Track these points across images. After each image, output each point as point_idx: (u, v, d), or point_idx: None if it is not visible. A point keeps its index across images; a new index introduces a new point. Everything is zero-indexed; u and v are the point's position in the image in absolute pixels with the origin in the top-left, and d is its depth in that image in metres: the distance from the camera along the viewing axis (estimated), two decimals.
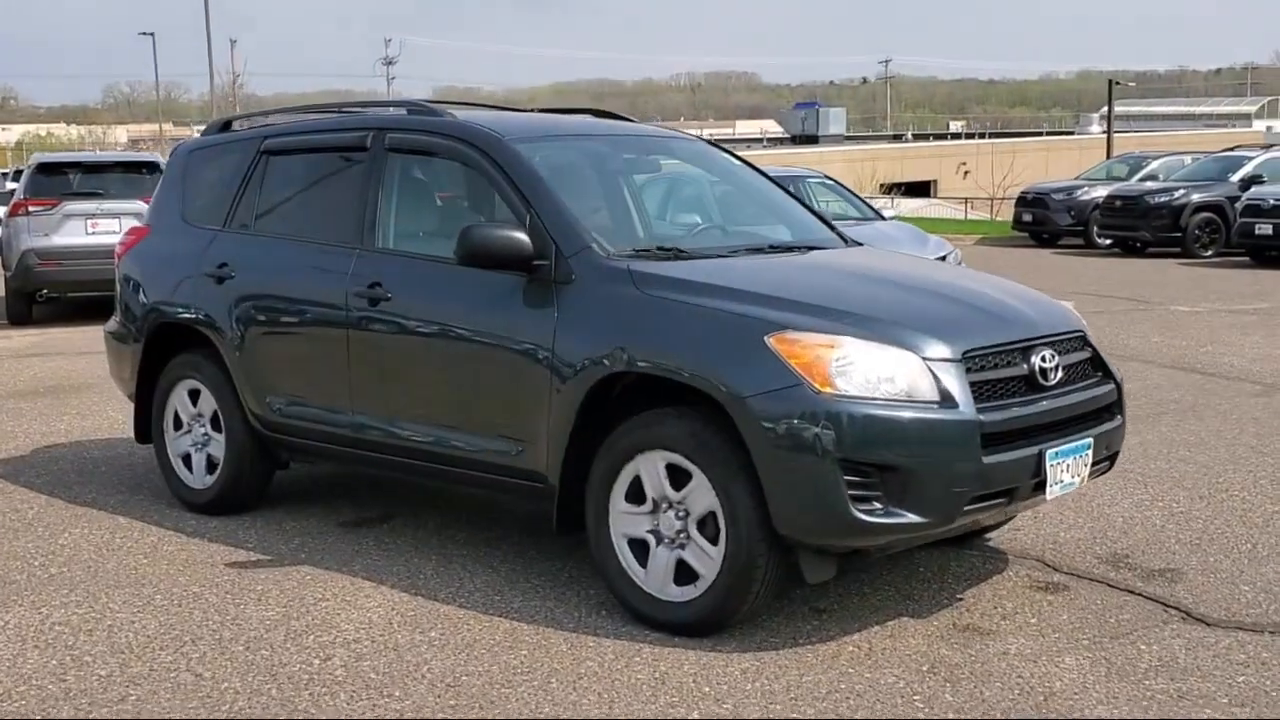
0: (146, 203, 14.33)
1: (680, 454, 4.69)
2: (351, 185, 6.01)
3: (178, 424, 6.72)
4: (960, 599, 5.25)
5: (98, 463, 7.83)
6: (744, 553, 4.56)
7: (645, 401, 4.90)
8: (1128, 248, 24.75)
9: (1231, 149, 27.91)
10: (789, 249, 5.70)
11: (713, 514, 4.65)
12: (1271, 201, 21.16)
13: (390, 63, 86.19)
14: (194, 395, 6.61)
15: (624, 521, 4.91)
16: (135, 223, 14.33)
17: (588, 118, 6.52)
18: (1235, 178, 23.91)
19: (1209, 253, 23.41)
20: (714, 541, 4.66)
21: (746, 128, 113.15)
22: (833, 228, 6.20)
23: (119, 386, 7.25)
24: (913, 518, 4.43)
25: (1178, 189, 23.95)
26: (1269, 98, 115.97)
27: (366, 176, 5.89)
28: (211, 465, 6.59)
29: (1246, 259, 22.13)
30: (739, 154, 6.62)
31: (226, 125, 6.96)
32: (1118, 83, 48.09)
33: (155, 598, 5.38)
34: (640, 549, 4.89)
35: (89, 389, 10.44)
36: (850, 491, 4.38)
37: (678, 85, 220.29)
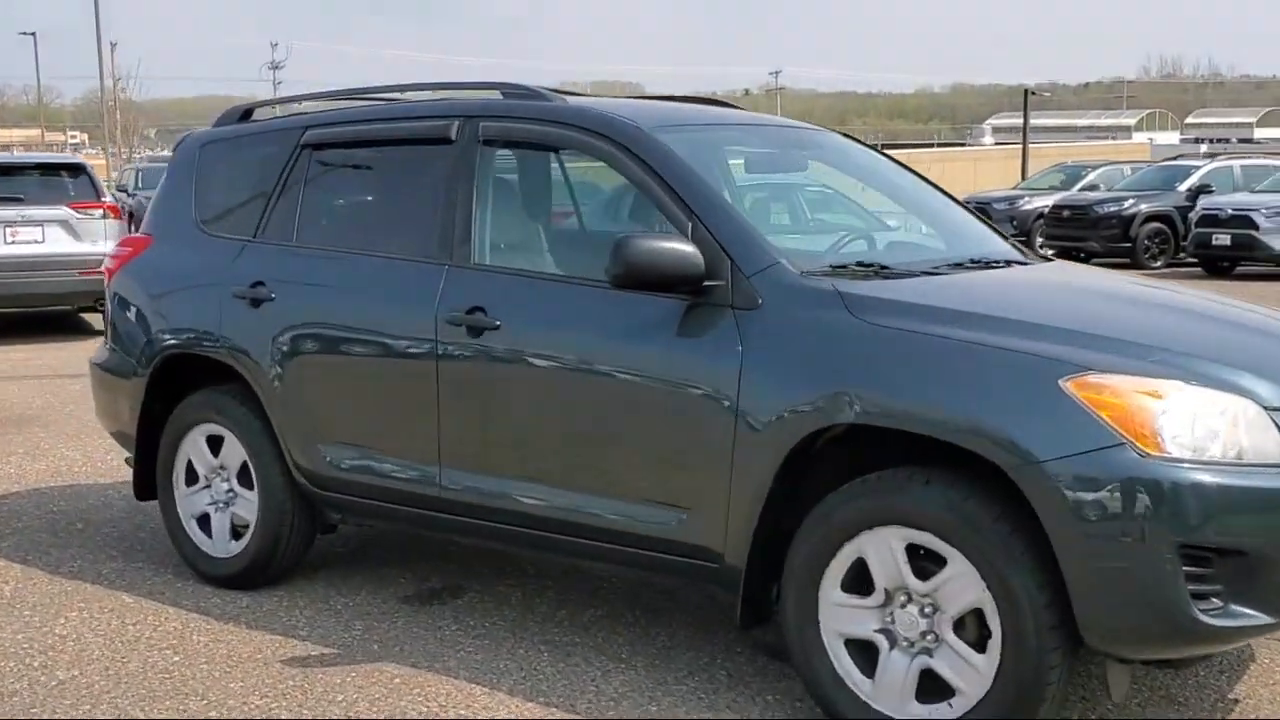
0: (75, 209, 13.13)
1: (930, 532, 3.63)
2: (433, 185, 4.87)
3: (192, 477, 5.49)
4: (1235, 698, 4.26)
5: (69, 518, 6.54)
6: (1029, 665, 3.51)
7: (857, 459, 3.84)
8: (1073, 258, 24.18)
9: (1173, 158, 27.62)
10: (989, 264, 4.65)
11: (977, 612, 3.60)
12: (1230, 211, 20.75)
13: (277, 67, 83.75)
14: (215, 443, 5.38)
15: (840, 617, 3.84)
16: (61, 231, 13.04)
17: (706, 107, 5.40)
18: (1182, 187, 23.56)
19: (1158, 263, 23.08)
20: (979, 648, 3.61)
21: None
22: (1004, 236, 5.18)
23: (106, 425, 5.99)
24: (1262, 618, 3.42)
25: (1126, 199, 23.51)
26: (1147, 110, 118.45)
27: (454, 174, 4.74)
28: (238, 529, 5.38)
29: (1198, 269, 21.76)
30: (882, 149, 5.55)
31: (247, 114, 5.72)
32: (1033, 93, 47.98)
33: (209, 715, 4.17)
34: (864, 653, 3.82)
35: (31, 422, 9.07)
36: (1190, 586, 3.34)
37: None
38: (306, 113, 5.52)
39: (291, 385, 5.04)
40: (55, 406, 9.60)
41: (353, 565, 5.71)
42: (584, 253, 4.99)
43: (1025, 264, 4.76)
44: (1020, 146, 41.60)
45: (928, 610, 3.70)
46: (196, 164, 5.65)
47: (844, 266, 4.22)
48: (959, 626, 3.67)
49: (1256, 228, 20.27)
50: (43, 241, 12.62)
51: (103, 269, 5.96)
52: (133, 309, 5.67)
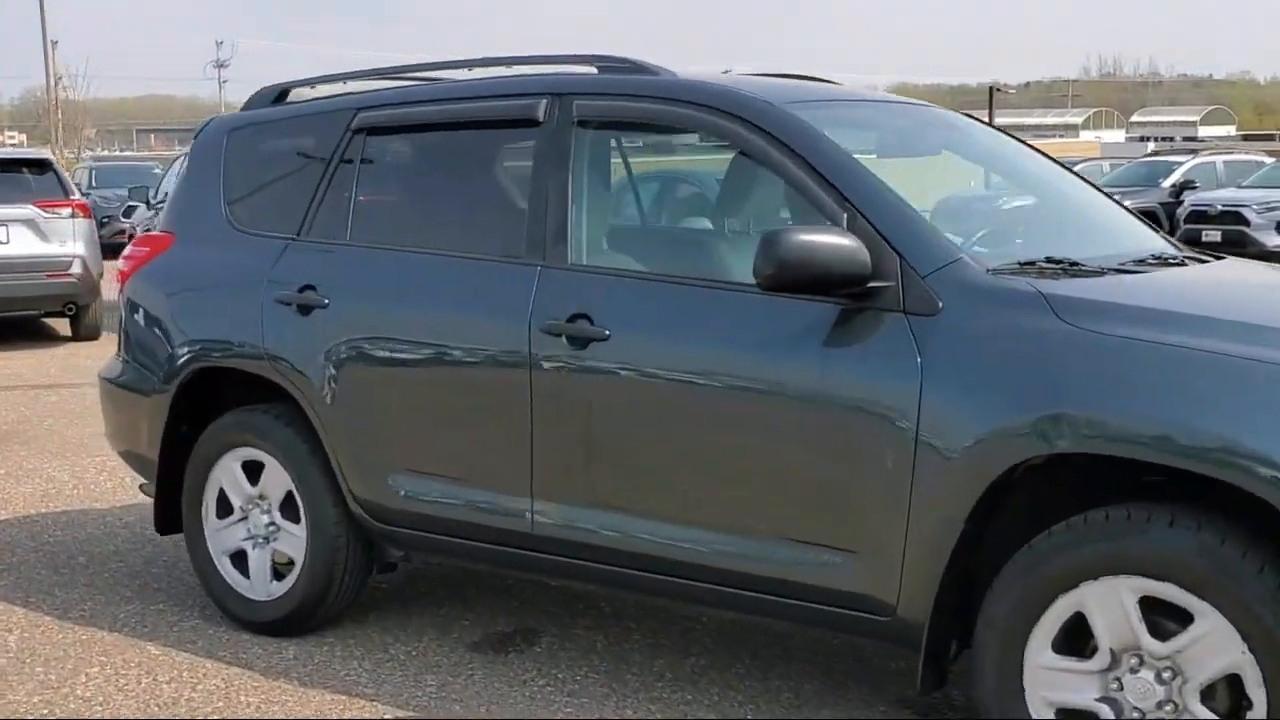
0: (41, 207, 12.27)
1: (1174, 583, 3.02)
2: (517, 174, 4.20)
3: (224, 509, 4.80)
4: None
5: (69, 551, 5.82)
6: None
7: (1055, 492, 3.24)
8: None
9: (1153, 154, 27.34)
10: (1168, 261, 4.04)
11: (1232, 678, 2.99)
12: (1220, 207, 20.43)
13: (222, 66, 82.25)
14: (253, 469, 4.70)
15: (1052, 682, 3.23)
16: (27, 232, 12.18)
17: (818, 83, 4.76)
18: (1166, 183, 23.25)
19: None
20: None
21: None
22: (1154, 228, 4.59)
23: (117, 446, 5.29)
24: None
25: (1111, 195, 23.06)
26: (1093, 109, 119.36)
27: (544, 161, 4.09)
28: (280, 567, 4.69)
29: None
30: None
31: (282, 95, 5.03)
32: (999, 89, 47.70)
33: None
34: None
35: (9, 439, 8.32)
36: None
37: None
38: (353, 93, 4.83)
39: (350, 404, 4.37)
40: (33, 420, 8.84)
41: (404, 605, 5.04)
42: (707, 250, 4.36)
43: (1202, 261, 4.16)
44: None
45: (1166, 675, 3.09)
46: (223, 153, 4.96)
47: (1031, 263, 3.60)
48: (1207, 695, 3.06)
49: (1247, 223, 19.94)
50: (7, 243, 11.79)
51: (117, 271, 5.23)
52: (152, 317, 4.97)
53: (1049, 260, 3.61)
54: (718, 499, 3.71)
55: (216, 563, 4.82)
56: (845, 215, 3.54)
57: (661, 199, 4.49)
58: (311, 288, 4.46)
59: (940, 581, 3.32)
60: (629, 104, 4.07)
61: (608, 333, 3.82)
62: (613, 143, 4.31)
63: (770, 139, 3.74)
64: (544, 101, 4.15)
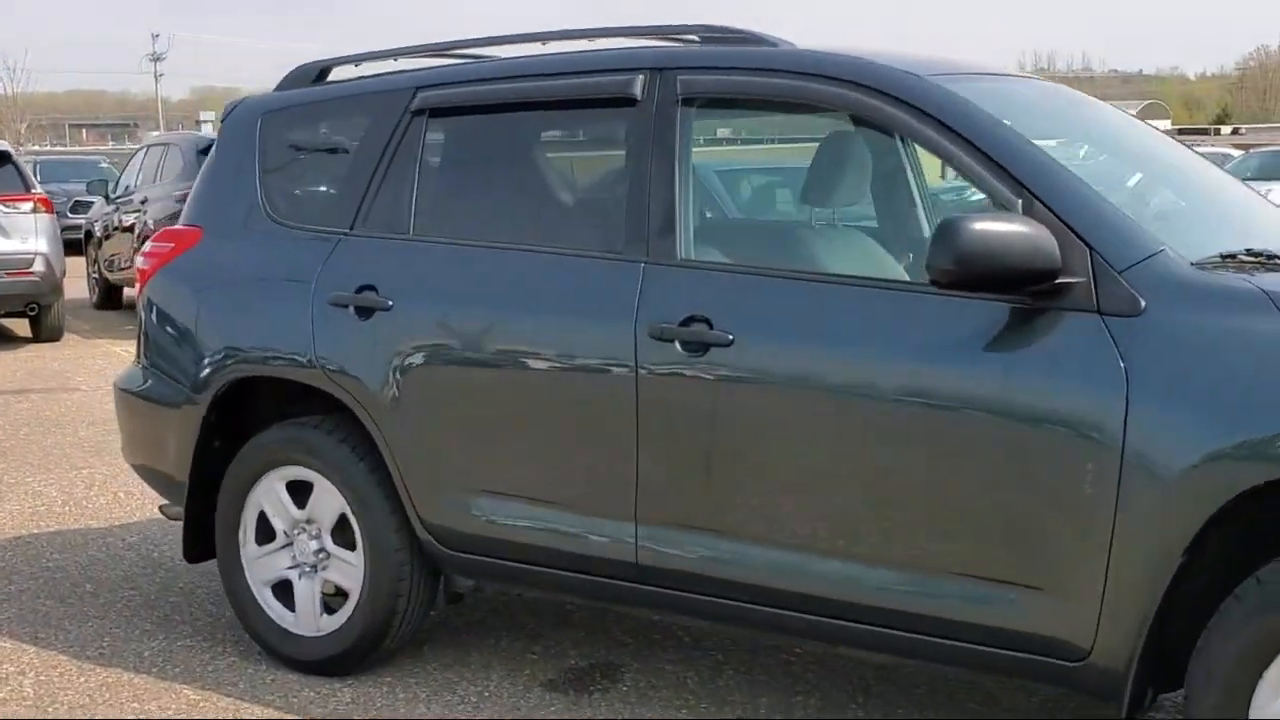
0: (4, 203, 11.61)
1: None
2: (612, 159, 3.74)
3: (265, 534, 4.30)
4: None
5: (72, 578, 5.29)
6: None
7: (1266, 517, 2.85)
8: None
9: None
10: None
11: None
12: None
13: (159, 59, 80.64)
14: (299, 490, 4.20)
15: None
16: None
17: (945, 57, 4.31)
18: (1130, 183, 22.92)
19: None
20: None
21: None
22: None
23: (135, 460, 4.77)
24: None
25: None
26: None
27: (644, 144, 3.63)
28: (332, 600, 4.18)
29: None
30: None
31: (322, 74, 4.52)
32: None
33: None
34: None
35: None
36: None
37: None
38: (408, 71, 4.33)
39: (419, 418, 3.89)
40: (7, 430, 8.25)
41: (456, 636, 4.56)
42: (845, 242, 3.91)
43: None
44: None
45: None
46: (257, 139, 4.45)
47: (1232, 255, 3.18)
48: None
49: None
50: None
51: (135, 269, 4.69)
52: (180, 320, 4.46)
53: (1249, 253, 3.18)
54: (871, 527, 3.27)
55: (256, 594, 4.32)
56: (1020, 202, 3.10)
57: (782, 184, 4.03)
58: (371, 288, 3.97)
59: (1149, 625, 2.89)
60: (744, 79, 3.61)
61: (731, 338, 3.36)
62: (724, 123, 3.85)
63: (923, 116, 3.30)
64: (641, 77, 3.68)
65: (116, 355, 11.21)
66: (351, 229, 4.12)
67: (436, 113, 4.07)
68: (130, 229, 13.10)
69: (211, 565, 4.50)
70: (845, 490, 3.28)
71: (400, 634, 4.13)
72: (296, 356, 4.09)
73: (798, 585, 3.36)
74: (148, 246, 4.66)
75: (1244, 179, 18.47)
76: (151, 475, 4.68)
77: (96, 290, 14.76)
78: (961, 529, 3.14)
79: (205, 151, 12.40)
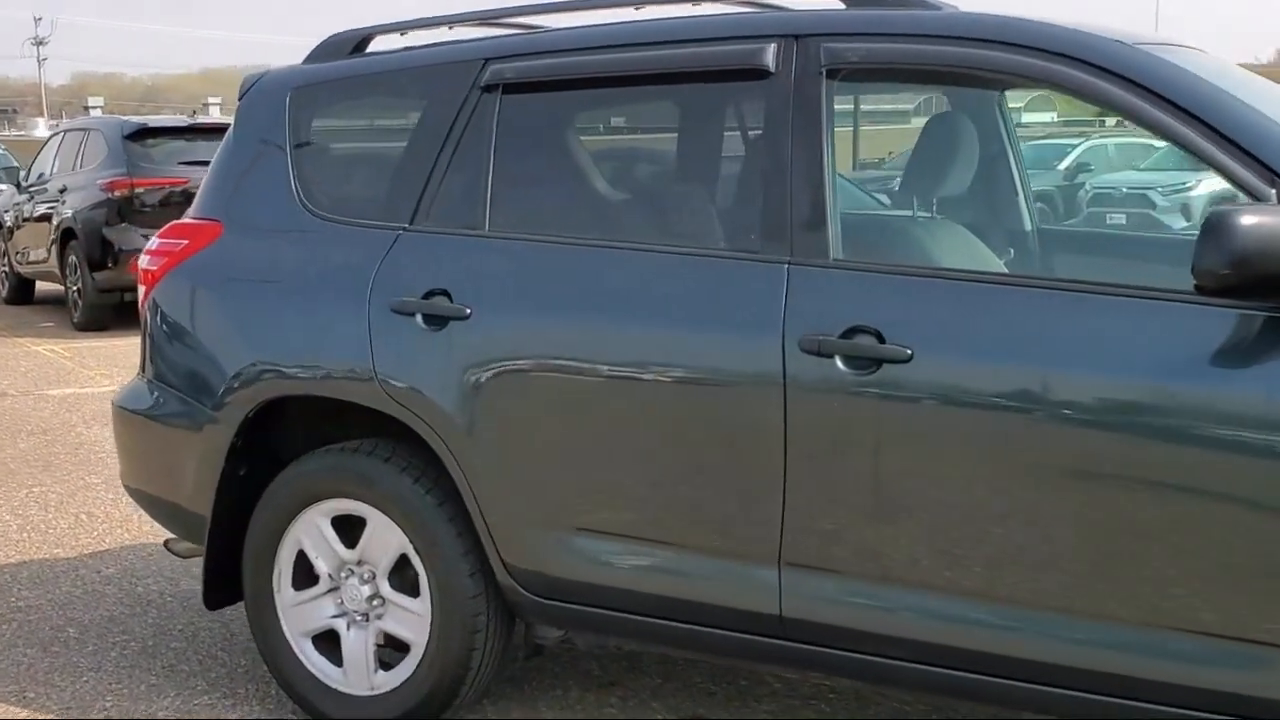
0: None
1: None
2: (739, 141, 3.21)
3: (305, 576, 3.72)
4: None
5: (52, 620, 4.64)
6: None
7: None
8: None
9: (1041, 137, 27.12)
10: None
11: None
12: (1125, 190, 20.15)
13: (41, 43, 77.97)
14: (348, 527, 3.60)
15: None
16: None
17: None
18: (1062, 166, 22.93)
19: None
20: None
21: None
22: None
23: (137, 487, 4.15)
24: None
25: None
26: (923, 95, 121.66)
27: (780, 124, 3.10)
28: (387, 656, 3.61)
29: None
30: None
31: (362, 44, 3.91)
32: None
33: None
34: None
35: None
36: None
37: None
38: (470, 41, 3.75)
39: (506, 444, 3.32)
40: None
41: (518, 686, 4.03)
42: (1046, 239, 3.41)
43: None
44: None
45: None
46: (288, 119, 3.83)
47: None
48: None
49: (1154, 206, 19.68)
50: None
51: (140, 270, 4.05)
52: (199, 329, 3.86)
53: None
54: (1089, 578, 2.77)
55: (294, 646, 3.73)
56: (1275, 192, 2.62)
57: (961, 167, 3.52)
58: (443, 293, 3.39)
59: None
60: (905, 46, 3.08)
61: (910, 352, 2.84)
62: (876, 98, 3.32)
63: (1139, 90, 2.80)
64: (774, 46, 3.14)
65: (41, 356, 10.42)
66: (411, 223, 3.54)
67: (513, 89, 3.50)
68: (46, 219, 12.27)
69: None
70: (1058, 534, 2.78)
71: (472, 693, 3.57)
72: (352, 372, 3.50)
73: (990, 644, 2.85)
74: (154, 243, 4.02)
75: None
76: (157, 506, 4.06)
77: (6, 284, 13.85)
78: (1207, 580, 2.65)
79: (132, 137, 11.77)
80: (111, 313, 11.69)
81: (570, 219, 3.46)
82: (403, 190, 3.59)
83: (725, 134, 3.36)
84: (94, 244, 11.32)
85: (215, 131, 12.01)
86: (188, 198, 11.40)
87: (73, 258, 11.63)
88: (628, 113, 3.56)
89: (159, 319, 3.93)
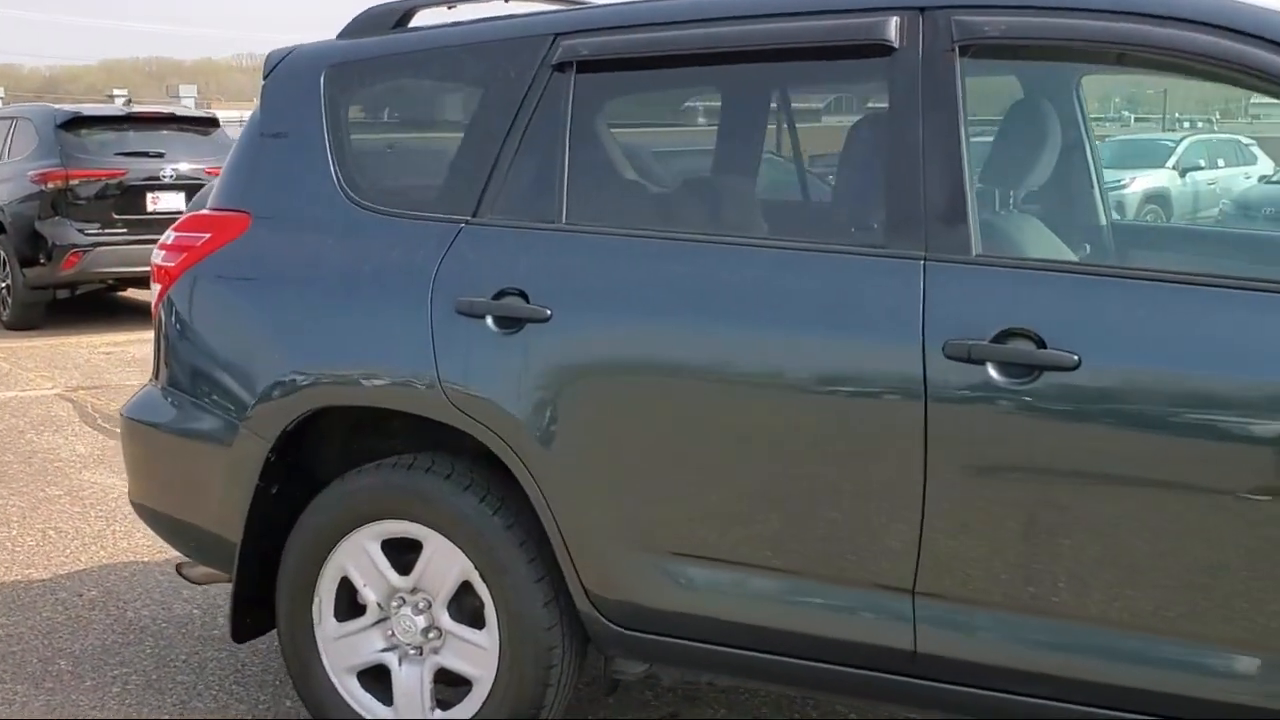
0: None
1: None
2: (860, 126, 2.91)
3: (350, 606, 3.36)
4: None
5: (40, 652, 4.24)
6: None
7: None
8: None
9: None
10: None
11: None
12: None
13: None
14: (401, 551, 3.24)
15: None
16: None
17: None
18: (1170, 163, 22.59)
19: None
20: None
21: None
22: None
23: (147, 504, 3.76)
24: None
25: (1122, 177, 22.42)
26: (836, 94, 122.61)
27: (909, 106, 2.80)
28: (446, 695, 3.26)
29: None
30: None
31: (405, 18, 3.55)
32: None
33: None
34: None
35: None
36: None
37: (240, 65, 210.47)
38: (534, 14, 3.40)
39: (591, 460, 3.00)
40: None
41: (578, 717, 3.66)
42: (1120, 234, 3.13)
43: None
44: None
45: None
46: (324, 100, 3.47)
47: None
48: None
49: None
50: None
51: (154, 267, 3.66)
52: (227, 332, 3.48)
53: None
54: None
55: (336, 683, 3.37)
56: None
57: (1036, 159, 3.24)
58: (519, 293, 3.05)
59: None
60: (1058, 21, 2.79)
61: (1077, 358, 2.55)
62: (1017, 77, 3.04)
63: None
64: (897, 19, 2.84)
65: None
66: (474, 216, 3.19)
67: (589, 67, 3.17)
68: None
69: (207, 628, 3.51)
70: (1247, 565, 2.50)
71: None
72: (412, 380, 3.15)
73: (1165, 683, 2.58)
74: (169, 237, 3.62)
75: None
76: (173, 527, 3.68)
77: None
78: None
79: (65, 126, 11.19)
80: (45, 311, 11.12)
81: (661, 211, 3.15)
82: (463, 179, 3.24)
83: (839, 117, 3.05)
84: (24, 239, 10.75)
85: (153, 121, 11.51)
86: (125, 191, 11.00)
87: (1, 253, 11.04)
88: (723, 93, 3.24)
89: (176, 320, 3.55)
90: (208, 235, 3.52)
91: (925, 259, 2.73)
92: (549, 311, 3.02)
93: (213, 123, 11.84)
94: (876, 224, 2.84)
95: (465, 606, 3.25)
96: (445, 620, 3.26)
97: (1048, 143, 3.46)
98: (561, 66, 3.17)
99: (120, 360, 9.69)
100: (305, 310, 3.33)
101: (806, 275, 2.85)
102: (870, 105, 2.98)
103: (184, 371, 3.54)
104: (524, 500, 3.13)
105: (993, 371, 2.62)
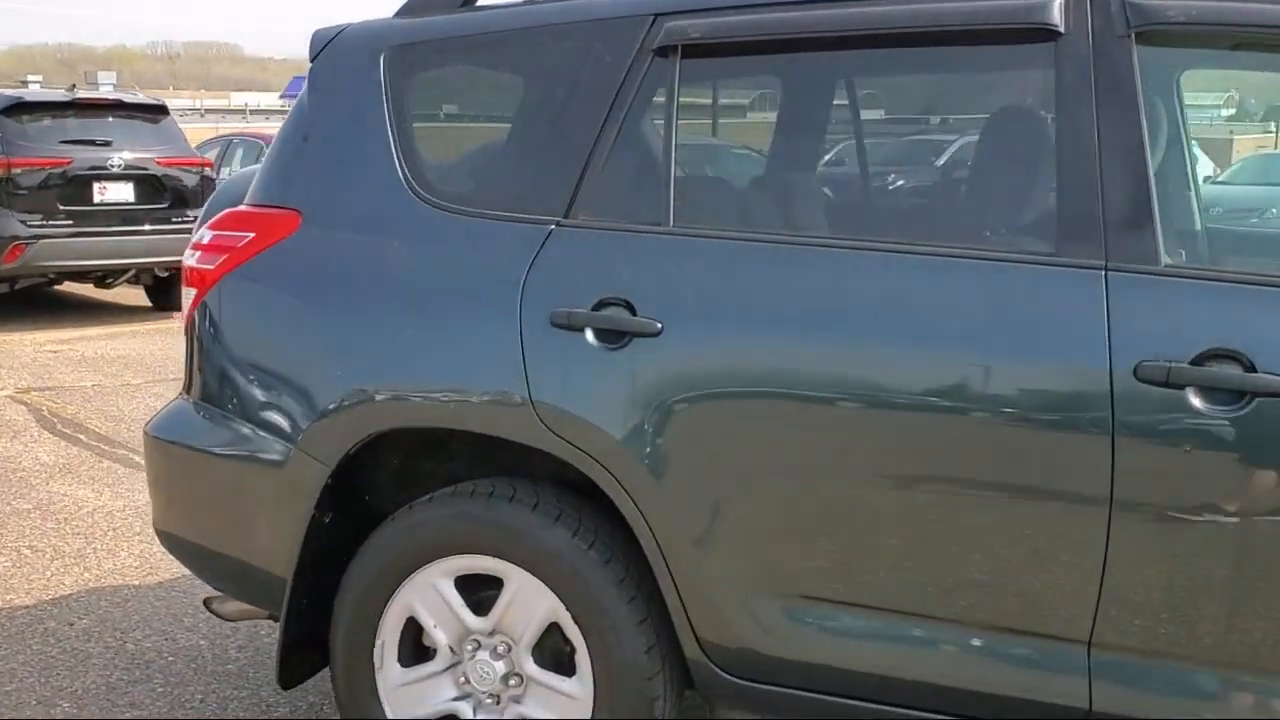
0: None
1: None
2: (1007, 118, 2.63)
3: (414, 649, 3.01)
4: None
5: (40, 692, 3.86)
6: None
7: None
8: None
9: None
10: None
11: None
12: None
13: None
14: (475, 588, 2.91)
15: None
16: None
17: None
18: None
19: None
20: None
21: (241, 99, 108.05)
22: None
23: (179, 533, 3.37)
24: None
25: None
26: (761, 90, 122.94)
27: (1079, 97, 2.53)
28: None
29: None
30: None
31: None
32: None
33: None
34: None
35: None
36: None
37: (154, 54, 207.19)
38: None
39: (711, 491, 2.69)
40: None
41: None
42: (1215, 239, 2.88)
43: None
44: None
45: None
46: (386, 86, 3.11)
47: None
48: None
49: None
50: None
51: (187, 269, 3.28)
52: (276, 343, 3.11)
53: None
54: None
55: None
56: None
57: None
58: (623, 303, 2.72)
59: None
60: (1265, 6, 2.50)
61: None
62: (1205, 67, 2.76)
63: None
64: (1062, 1, 2.54)
65: None
66: (566, 216, 2.85)
67: (696, 51, 2.84)
68: None
69: (219, 661, 3.16)
70: None
71: None
72: (499, 400, 2.81)
73: None
74: (205, 236, 3.24)
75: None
76: (209, 560, 3.31)
77: None
78: None
79: (6, 113, 10.63)
80: None
81: (784, 212, 2.82)
82: (551, 176, 2.90)
83: (991, 108, 2.74)
84: None
85: (99, 108, 10.98)
86: (70, 181, 10.47)
87: None
88: (855, 81, 2.92)
89: (215, 328, 3.18)
90: (251, 235, 3.15)
91: (1106, 268, 2.43)
92: (659, 325, 2.69)
93: (161, 110, 11.33)
94: (1041, 229, 2.54)
95: (547, 650, 2.91)
96: (529, 666, 2.92)
97: (1161, 140, 3.20)
98: (664, 51, 2.84)
99: (70, 359, 9.19)
100: (370, 321, 2.98)
101: (962, 285, 2.55)
102: (1032, 95, 2.67)
103: (224, 385, 3.16)
104: (621, 533, 2.81)
105: (1194, 398, 2.33)
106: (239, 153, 13.66)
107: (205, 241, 3.22)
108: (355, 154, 3.10)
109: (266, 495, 3.08)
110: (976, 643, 2.57)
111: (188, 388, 3.29)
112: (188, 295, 3.24)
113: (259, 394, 3.10)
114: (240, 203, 3.32)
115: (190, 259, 3.23)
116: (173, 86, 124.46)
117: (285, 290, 3.09)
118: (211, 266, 3.17)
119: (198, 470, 3.22)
